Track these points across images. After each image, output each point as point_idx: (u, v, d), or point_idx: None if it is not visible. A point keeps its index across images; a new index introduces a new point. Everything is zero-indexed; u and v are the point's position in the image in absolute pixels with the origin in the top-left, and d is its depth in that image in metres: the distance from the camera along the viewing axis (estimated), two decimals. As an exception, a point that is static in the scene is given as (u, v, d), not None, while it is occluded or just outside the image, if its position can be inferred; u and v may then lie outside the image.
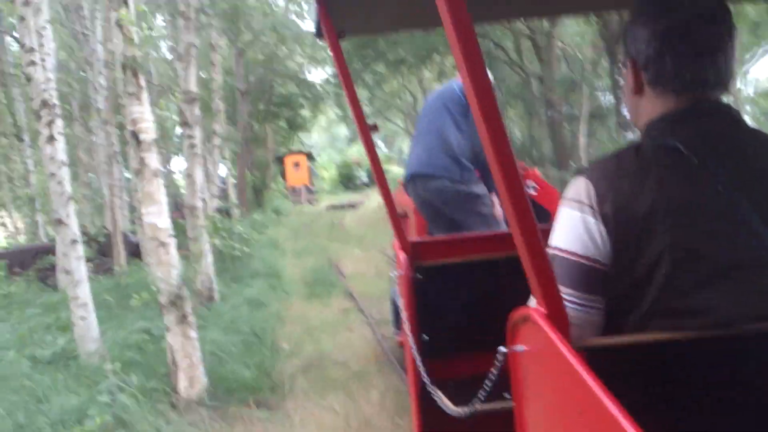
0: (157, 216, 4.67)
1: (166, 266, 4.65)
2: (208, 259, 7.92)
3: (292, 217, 21.48)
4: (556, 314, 1.06)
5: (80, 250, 5.96)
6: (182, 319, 4.64)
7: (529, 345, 1.16)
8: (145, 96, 4.76)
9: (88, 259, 12.52)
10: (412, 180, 3.95)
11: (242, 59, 20.68)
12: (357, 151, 48.01)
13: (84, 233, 14.90)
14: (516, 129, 22.42)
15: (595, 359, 0.97)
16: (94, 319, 5.95)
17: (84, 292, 5.93)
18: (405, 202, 5.16)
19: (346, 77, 2.26)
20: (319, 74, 26.94)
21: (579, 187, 1.24)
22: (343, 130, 55.61)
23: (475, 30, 1.01)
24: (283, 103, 25.18)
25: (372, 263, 10.25)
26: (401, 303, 2.54)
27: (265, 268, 9.76)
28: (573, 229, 1.22)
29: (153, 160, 4.72)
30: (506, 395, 1.29)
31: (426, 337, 2.41)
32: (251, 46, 20.81)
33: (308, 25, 25.33)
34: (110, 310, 7.96)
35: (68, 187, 5.93)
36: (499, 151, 1.01)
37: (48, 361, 5.82)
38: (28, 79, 5.75)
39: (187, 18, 7.70)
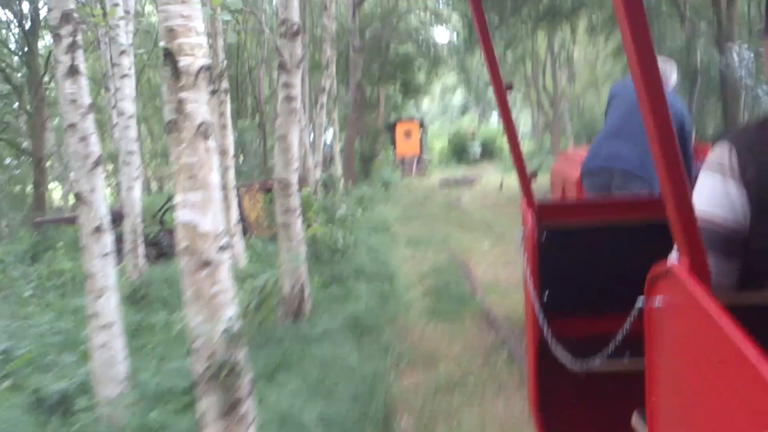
0: (201, 211, 2.49)
1: (210, 306, 2.49)
2: (302, 254, 5.80)
3: (402, 191, 19.25)
4: (700, 268, 1.07)
5: (107, 242, 3.93)
6: (229, 411, 2.46)
7: (669, 299, 1.15)
8: (194, -12, 2.57)
9: (152, 243, 10.54)
10: (613, 172, 3.78)
11: (359, 11, 18.44)
12: (470, 122, 45.02)
13: (170, 199, 13.38)
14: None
15: (735, 315, 0.96)
16: (120, 349, 3.93)
17: (109, 306, 3.92)
18: (565, 173, 5.33)
19: (484, 33, 2.23)
20: (441, 33, 24.18)
21: (722, 153, 1.25)
22: (456, 99, 52.65)
23: None
24: (399, 64, 22.76)
25: (512, 265, 7.83)
26: (524, 259, 2.51)
27: (373, 264, 7.56)
28: (713, 193, 1.23)
29: (200, 106, 2.54)
30: (625, 358, 1.47)
31: (546, 295, 2.41)
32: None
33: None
34: (170, 309, 6.05)
35: (96, 147, 3.89)
36: (651, 92, 1.02)
37: (50, 404, 3.89)
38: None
39: None
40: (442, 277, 7.28)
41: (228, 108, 8.07)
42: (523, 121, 50.72)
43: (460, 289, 6.72)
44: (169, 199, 13.10)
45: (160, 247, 9.89)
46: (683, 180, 1.04)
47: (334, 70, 12.72)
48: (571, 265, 2.44)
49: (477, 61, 27.75)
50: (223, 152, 8.09)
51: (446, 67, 27.33)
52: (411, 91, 27.05)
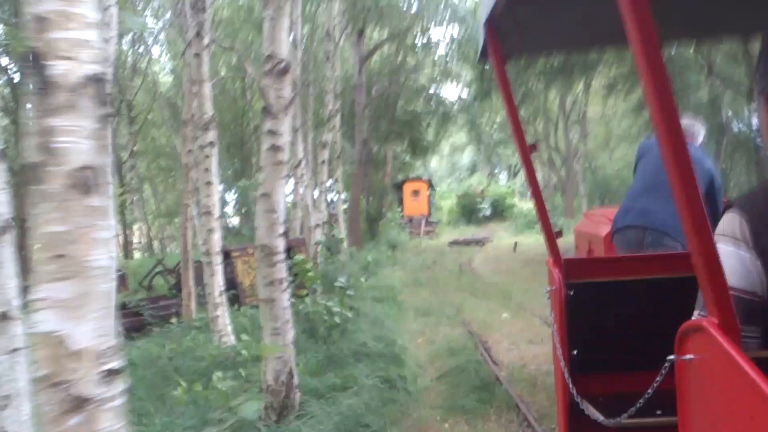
0: (73, 314, 1.49)
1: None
2: (289, 336, 4.77)
3: (409, 253, 18.22)
4: (729, 324, 1.05)
5: (17, 334, 2.93)
6: None
7: (700, 354, 1.15)
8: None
9: (133, 313, 9.29)
10: (646, 229, 3.82)
11: (365, 66, 17.86)
12: (478, 181, 44.22)
13: (160, 262, 12.38)
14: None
15: (764, 370, 0.97)
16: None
17: (19, 421, 2.88)
18: (591, 232, 6.03)
19: (508, 99, 2.27)
20: (450, 90, 23.64)
21: (732, 223, 1.23)
22: (464, 159, 52.11)
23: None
24: (407, 122, 22.06)
25: (538, 342, 6.76)
26: (552, 317, 2.55)
27: (377, 341, 6.49)
28: (728, 263, 1.16)
29: (80, 141, 1.58)
30: (658, 412, 1.43)
31: (575, 353, 2.41)
32: (378, 48, 17.98)
33: (437, 33, 22.33)
34: (152, 396, 5.03)
35: (4, 208, 2.94)
36: (676, 152, 1.01)
37: None
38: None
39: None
40: (459, 358, 6.18)
41: (215, 163, 7.18)
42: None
43: (480, 374, 5.61)
44: (159, 262, 12.14)
45: (140, 318, 8.87)
46: (710, 238, 1.03)
47: (338, 124, 11.89)
48: (599, 322, 2.45)
49: (487, 118, 27.15)
50: (207, 213, 7.18)
51: (455, 125, 26.70)
52: (419, 150, 26.37)
